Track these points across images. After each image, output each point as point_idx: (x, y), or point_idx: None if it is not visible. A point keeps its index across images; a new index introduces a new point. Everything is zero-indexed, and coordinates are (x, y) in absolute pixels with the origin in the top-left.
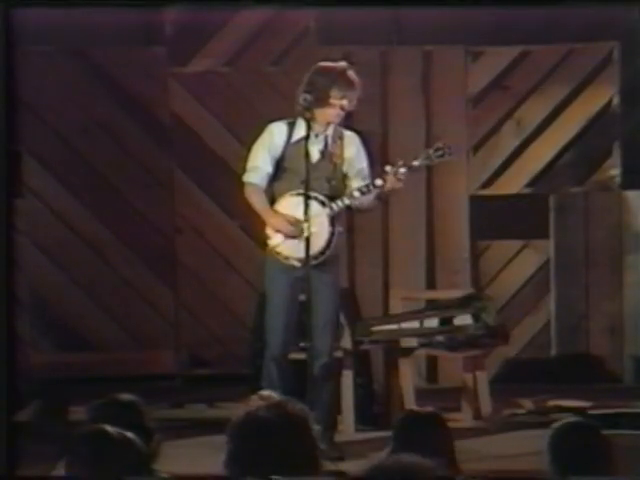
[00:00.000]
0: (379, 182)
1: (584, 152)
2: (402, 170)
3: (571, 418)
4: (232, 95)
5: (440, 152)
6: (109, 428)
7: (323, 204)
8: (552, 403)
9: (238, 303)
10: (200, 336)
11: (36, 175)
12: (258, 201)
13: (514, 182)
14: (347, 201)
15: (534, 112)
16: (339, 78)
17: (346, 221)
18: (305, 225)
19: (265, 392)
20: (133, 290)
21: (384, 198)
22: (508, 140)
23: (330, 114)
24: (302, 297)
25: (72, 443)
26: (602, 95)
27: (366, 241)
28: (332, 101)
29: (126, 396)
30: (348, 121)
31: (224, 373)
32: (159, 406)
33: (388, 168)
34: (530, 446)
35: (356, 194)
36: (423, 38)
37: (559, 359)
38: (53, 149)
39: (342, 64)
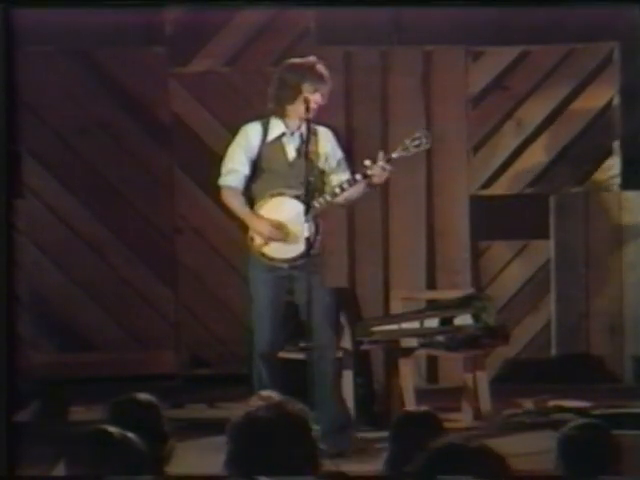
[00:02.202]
0: (359, 177)
1: (584, 152)
2: (381, 163)
3: (581, 419)
4: (232, 95)
5: (417, 142)
6: (110, 428)
7: (305, 203)
8: (552, 403)
9: (238, 303)
10: (200, 336)
11: (36, 175)
12: (238, 205)
13: (514, 182)
14: (329, 198)
15: (534, 112)
16: (309, 72)
17: (346, 221)
18: (305, 225)
19: (265, 392)
20: (133, 290)
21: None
22: (508, 140)
23: (303, 110)
24: (295, 299)
25: (72, 443)
26: (602, 95)
27: (366, 241)
28: (304, 96)
29: (145, 396)
30: (349, 120)
31: (224, 373)
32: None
33: (367, 162)
34: (530, 446)
35: (337, 191)
36: (423, 38)
37: (559, 359)
38: (53, 149)
39: (311, 58)
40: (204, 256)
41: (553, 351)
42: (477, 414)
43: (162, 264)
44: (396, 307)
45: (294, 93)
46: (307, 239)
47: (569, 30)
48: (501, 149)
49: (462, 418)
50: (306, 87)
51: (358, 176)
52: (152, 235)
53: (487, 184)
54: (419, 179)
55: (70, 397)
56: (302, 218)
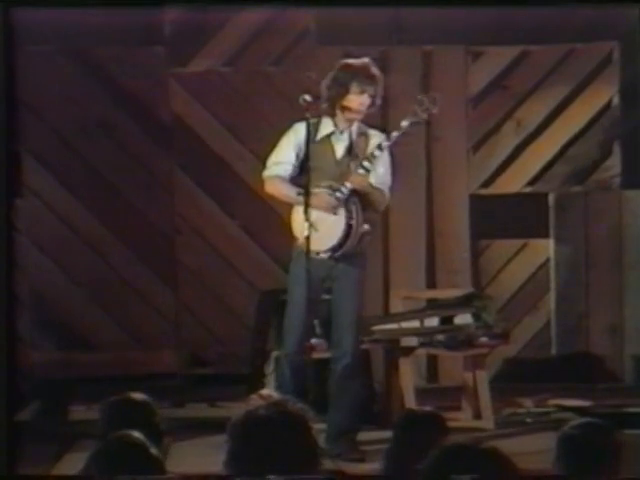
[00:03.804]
0: (386, 143)
1: (584, 152)
2: (394, 134)
3: (581, 418)
4: (232, 95)
5: (424, 107)
6: (136, 434)
7: (335, 190)
8: (552, 402)
9: (238, 303)
10: (200, 336)
11: (36, 175)
12: (290, 189)
13: (514, 181)
14: (361, 171)
15: (534, 112)
16: (359, 73)
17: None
18: (306, 224)
19: (265, 391)
20: (133, 290)
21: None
22: (508, 140)
23: (351, 110)
24: (326, 296)
25: (102, 446)
26: (602, 95)
27: None
28: (352, 96)
29: (140, 395)
30: None
31: (225, 373)
32: (160, 405)
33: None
34: (530, 445)
35: (366, 164)
36: (423, 38)
37: (559, 359)
38: (53, 149)
39: (364, 60)
40: (204, 256)
41: (553, 350)
42: (477, 413)
43: (162, 264)
44: (396, 306)
45: (343, 92)
46: (307, 238)
47: (569, 30)
48: (501, 148)
49: (462, 417)
50: (354, 87)
51: (385, 143)
52: (152, 235)
53: (487, 183)
54: (419, 179)
55: (70, 397)
56: (339, 207)
